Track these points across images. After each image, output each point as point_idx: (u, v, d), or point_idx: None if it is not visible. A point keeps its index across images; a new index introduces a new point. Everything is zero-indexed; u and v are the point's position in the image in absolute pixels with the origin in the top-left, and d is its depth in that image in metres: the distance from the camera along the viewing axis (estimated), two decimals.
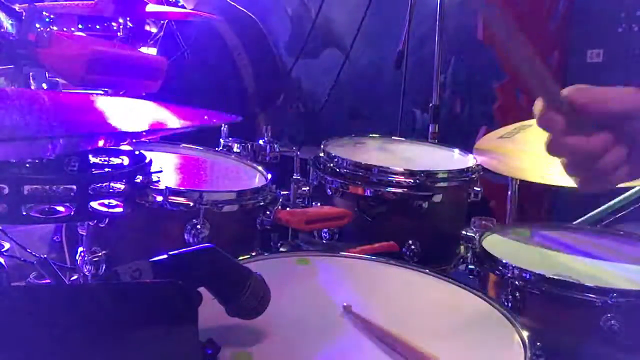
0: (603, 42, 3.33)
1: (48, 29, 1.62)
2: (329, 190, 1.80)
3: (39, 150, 0.99)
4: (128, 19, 2.66)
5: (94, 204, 1.14)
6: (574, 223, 2.13)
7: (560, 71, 3.41)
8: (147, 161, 1.31)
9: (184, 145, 1.85)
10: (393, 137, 2.20)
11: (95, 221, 1.45)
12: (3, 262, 1.45)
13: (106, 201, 1.17)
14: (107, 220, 1.42)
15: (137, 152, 1.34)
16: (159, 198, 1.40)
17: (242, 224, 1.56)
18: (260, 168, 1.76)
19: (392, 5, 3.41)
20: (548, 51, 3.37)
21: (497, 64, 3.41)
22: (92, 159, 1.25)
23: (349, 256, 1.38)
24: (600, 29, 3.35)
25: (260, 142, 1.86)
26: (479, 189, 1.85)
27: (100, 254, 1.50)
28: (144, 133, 0.92)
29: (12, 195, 1.08)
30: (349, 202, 1.76)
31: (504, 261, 1.42)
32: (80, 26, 3.23)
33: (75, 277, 1.71)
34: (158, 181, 1.34)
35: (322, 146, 1.90)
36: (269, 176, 1.67)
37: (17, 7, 1.59)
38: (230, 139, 1.90)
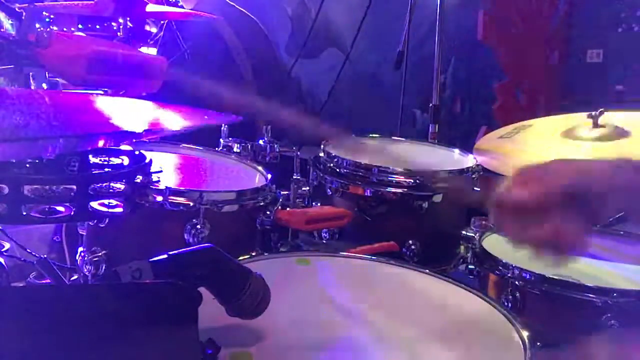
0: (603, 42, 3.33)
1: (48, 29, 1.61)
2: (329, 190, 1.80)
3: (39, 150, 0.99)
4: (128, 19, 2.66)
5: (94, 204, 1.14)
6: None
7: (560, 71, 3.41)
8: (147, 161, 1.31)
9: (184, 145, 1.85)
10: (393, 137, 2.20)
11: (95, 221, 1.45)
12: (3, 262, 1.45)
13: (106, 201, 1.17)
14: (107, 220, 1.41)
15: (137, 152, 1.34)
16: (159, 198, 1.40)
17: (242, 224, 1.56)
18: (260, 168, 1.76)
19: (392, 5, 3.41)
20: (548, 51, 3.37)
21: (497, 64, 3.41)
22: (92, 159, 1.25)
23: (349, 256, 1.38)
24: (600, 29, 3.35)
25: (260, 142, 1.86)
26: (479, 189, 1.84)
27: (100, 254, 1.50)
28: (144, 133, 0.92)
29: (12, 195, 1.07)
30: (349, 202, 1.76)
31: (504, 261, 1.42)
32: (80, 26, 3.23)
33: (75, 277, 1.71)
34: (158, 181, 1.34)
35: (322, 146, 1.90)
36: (269, 176, 1.67)
37: (17, 7, 1.59)
38: (230, 139, 1.90)
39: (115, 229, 1.48)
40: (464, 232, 1.67)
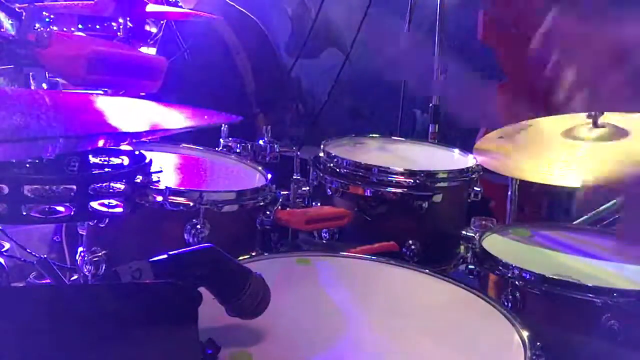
0: None
1: (48, 29, 1.62)
2: (329, 190, 1.80)
3: (39, 150, 0.99)
4: (128, 19, 2.66)
5: (94, 204, 1.14)
6: (574, 223, 2.13)
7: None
8: (147, 161, 1.31)
9: (184, 145, 1.85)
10: (393, 137, 2.20)
11: (95, 221, 1.45)
12: (3, 262, 1.45)
13: (106, 201, 1.16)
14: (107, 220, 1.41)
15: (137, 152, 1.34)
16: (159, 198, 1.40)
17: (242, 224, 1.56)
18: (260, 168, 1.76)
19: (392, 5, 3.41)
20: None
21: (497, 64, 3.41)
22: (92, 159, 1.25)
23: (349, 256, 1.38)
24: None
25: (260, 142, 1.86)
26: (479, 189, 1.85)
27: (100, 254, 1.50)
28: (144, 133, 0.92)
29: (12, 195, 1.07)
30: (349, 202, 1.76)
31: (504, 261, 1.42)
32: (80, 26, 3.23)
33: (75, 277, 1.71)
34: (158, 181, 1.34)
35: (322, 146, 1.90)
36: (269, 176, 1.67)
37: (17, 7, 1.59)
38: (230, 139, 1.90)
39: (115, 229, 1.48)
40: (464, 232, 1.67)
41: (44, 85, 1.80)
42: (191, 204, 1.45)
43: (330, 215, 1.67)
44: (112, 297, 0.83)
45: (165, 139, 1.82)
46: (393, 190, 1.73)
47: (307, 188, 1.76)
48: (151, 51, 3.11)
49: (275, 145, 1.86)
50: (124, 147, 1.33)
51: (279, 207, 1.60)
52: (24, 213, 1.09)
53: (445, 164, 1.94)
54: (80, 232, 1.59)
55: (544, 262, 1.50)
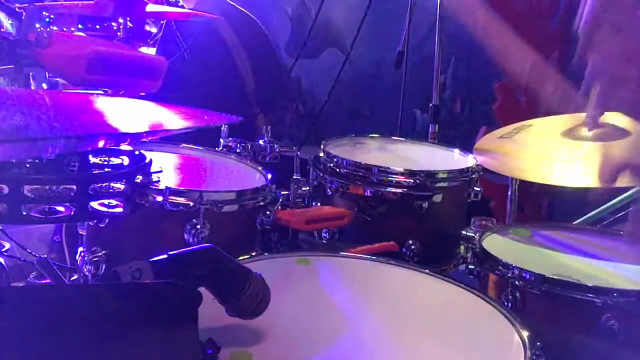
0: None
1: (48, 29, 1.62)
2: (329, 190, 1.80)
3: (39, 150, 0.99)
4: (128, 19, 2.66)
5: (94, 204, 1.14)
6: (574, 223, 2.13)
7: (560, 71, 3.41)
8: (147, 161, 1.31)
9: (184, 145, 1.85)
10: (393, 137, 2.20)
11: (95, 221, 1.45)
12: (3, 262, 1.45)
13: (106, 201, 1.16)
14: (107, 220, 1.42)
15: (137, 152, 1.34)
16: (159, 198, 1.40)
17: (242, 224, 1.56)
18: (260, 168, 1.76)
19: (392, 5, 3.41)
20: (548, 51, 3.37)
21: (497, 64, 3.41)
22: (92, 159, 1.25)
23: (349, 256, 1.38)
24: None
25: (260, 142, 1.86)
26: (479, 189, 1.85)
27: (100, 254, 1.50)
28: (144, 133, 0.92)
29: (12, 195, 1.07)
30: (349, 202, 1.76)
31: (504, 261, 1.42)
32: (80, 26, 3.23)
33: (75, 277, 1.71)
34: (158, 181, 1.34)
35: (322, 146, 1.90)
36: (269, 176, 1.67)
37: (17, 7, 1.59)
38: (230, 139, 1.90)
39: (115, 229, 1.48)
40: (464, 232, 1.67)
41: (44, 85, 1.80)
42: (191, 204, 1.45)
43: (330, 215, 1.67)
44: (112, 297, 0.83)
45: (165, 139, 1.82)
46: (393, 190, 1.73)
47: (307, 188, 1.76)
48: (151, 51, 3.11)
49: (275, 145, 1.86)
50: (124, 147, 1.33)
51: (279, 207, 1.60)
52: (24, 213, 1.09)
53: (445, 164, 1.94)
54: (80, 232, 1.59)
55: (544, 262, 1.50)
